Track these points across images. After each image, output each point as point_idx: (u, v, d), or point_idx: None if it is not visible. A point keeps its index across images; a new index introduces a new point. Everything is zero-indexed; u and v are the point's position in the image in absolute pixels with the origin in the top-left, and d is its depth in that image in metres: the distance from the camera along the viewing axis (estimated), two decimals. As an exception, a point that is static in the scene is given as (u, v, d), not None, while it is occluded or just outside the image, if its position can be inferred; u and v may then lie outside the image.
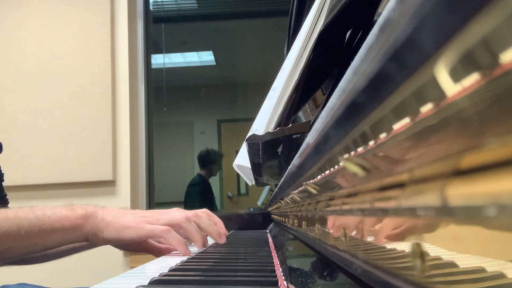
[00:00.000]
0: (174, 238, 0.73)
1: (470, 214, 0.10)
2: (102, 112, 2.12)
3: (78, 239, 0.71)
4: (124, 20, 2.22)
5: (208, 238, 0.88)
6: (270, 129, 0.59)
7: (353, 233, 0.23)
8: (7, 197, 0.96)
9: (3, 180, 0.96)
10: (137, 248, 0.81)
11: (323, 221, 0.32)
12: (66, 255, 0.92)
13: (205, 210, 0.92)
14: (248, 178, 0.85)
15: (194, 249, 0.80)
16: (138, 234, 0.73)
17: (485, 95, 0.09)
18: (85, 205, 0.74)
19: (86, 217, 0.71)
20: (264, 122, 0.61)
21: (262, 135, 0.55)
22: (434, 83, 0.11)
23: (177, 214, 0.77)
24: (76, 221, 0.70)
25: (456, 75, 0.10)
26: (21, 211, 0.64)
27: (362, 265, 0.21)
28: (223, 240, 0.85)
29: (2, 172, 0.95)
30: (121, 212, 0.76)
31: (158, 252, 0.83)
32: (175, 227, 0.75)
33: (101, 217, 0.73)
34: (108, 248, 0.80)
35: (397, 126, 0.15)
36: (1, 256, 0.62)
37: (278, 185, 0.72)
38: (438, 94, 0.11)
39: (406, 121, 0.14)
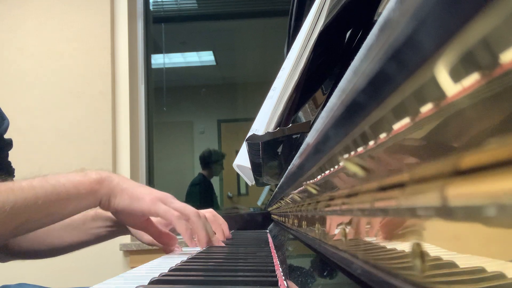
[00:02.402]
0: (183, 225, 0.72)
1: (470, 214, 0.10)
2: (102, 112, 2.12)
3: (93, 204, 0.69)
4: (124, 20, 2.22)
5: None
6: (270, 129, 0.59)
7: (353, 233, 0.23)
8: None
9: (14, 176, 0.96)
10: (140, 224, 0.78)
11: (323, 221, 0.32)
12: (73, 250, 0.91)
13: (211, 210, 0.91)
14: (248, 178, 0.85)
15: (196, 249, 0.80)
16: (150, 209, 0.71)
17: (485, 95, 0.09)
18: (99, 170, 0.72)
19: (100, 181, 0.69)
20: (264, 122, 0.61)
21: (262, 135, 0.55)
22: (434, 83, 0.11)
23: (189, 206, 0.75)
24: (91, 186, 0.68)
25: (456, 75, 0.10)
26: (35, 181, 0.63)
27: (362, 265, 0.21)
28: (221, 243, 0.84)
29: (13, 167, 0.95)
30: (136, 183, 0.74)
31: (157, 235, 0.80)
32: (184, 216, 0.73)
33: (116, 182, 0.71)
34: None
35: (397, 126, 0.15)
36: (21, 228, 0.61)
37: (278, 185, 0.72)
38: (438, 94, 0.11)
39: (406, 121, 0.14)
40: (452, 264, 0.12)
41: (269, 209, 1.36)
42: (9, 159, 0.94)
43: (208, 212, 0.87)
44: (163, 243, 0.81)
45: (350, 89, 0.17)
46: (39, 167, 2.12)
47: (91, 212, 0.89)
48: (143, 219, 0.77)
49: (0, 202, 0.57)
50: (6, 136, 0.92)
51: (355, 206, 0.22)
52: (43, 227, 0.66)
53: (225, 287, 0.41)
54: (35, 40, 2.17)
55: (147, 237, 0.86)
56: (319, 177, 0.30)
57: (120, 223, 0.87)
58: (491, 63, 0.09)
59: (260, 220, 1.46)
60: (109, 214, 0.88)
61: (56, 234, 0.86)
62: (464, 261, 0.12)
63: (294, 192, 0.48)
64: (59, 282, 1.87)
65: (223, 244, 0.83)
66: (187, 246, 0.95)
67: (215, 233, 0.84)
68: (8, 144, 0.92)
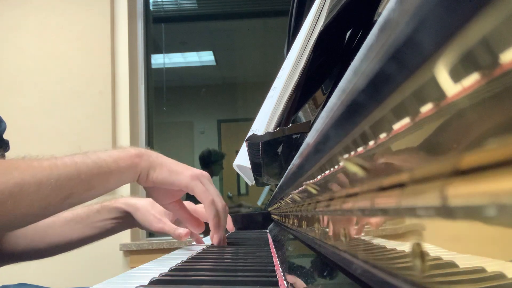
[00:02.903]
0: (213, 212, 0.74)
1: (470, 214, 0.10)
2: (102, 112, 2.12)
3: (133, 177, 0.71)
4: (124, 20, 2.22)
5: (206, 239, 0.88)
6: (270, 129, 0.59)
7: (353, 233, 0.23)
8: None
9: None
10: (173, 205, 0.79)
11: (323, 221, 0.32)
12: (78, 246, 0.90)
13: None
14: (248, 178, 0.84)
15: (197, 249, 0.80)
16: (188, 185, 0.73)
17: (485, 95, 0.09)
18: (136, 147, 0.74)
19: (140, 155, 0.71)
20: (264, 122, 0.61)
21: (262, 135, 0.55)
22: (434, 83, 0.11)
23: (220, 197, 0.77)
24: (131, 159, 0.69)
25: (456, 75, 0.10)
26: (77, 157, 0.64)
27: (362, 265, 0.21)
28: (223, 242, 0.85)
29: None
30: (174, 160, 0.76)
31: (187, 217, 0.81)
32: (216, 205, 0.75)
33: (155, 156, 0.73)
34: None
35: (397, 126, 0.15)
36: (66, 202, 0.61)
37: (278, 185, 0.72)
38: (438, 94, 0.11)
39: (406, 121, 0.14)
40: (452, 264, 0.12)
41: (269, 209, 1.36)
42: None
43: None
44: (192, 226, 0.82)
45: (350, 89, 0.17)
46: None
47: (96, 205, 0.89)
48: (178, 194, 0.78)
49: (45, 176, 0.58)
50: (3, 137, 0.92)
51: (355, 206, 0.22)
52: (88, 200, 0.67)
53: (225, 287, 0.41)
54: (35, 40, 2.17)
55: (156, 225, 0.86)
56: (319, 177, 0.30)
57: (125, 216, 0.87)
58: (491, 63, 0.09)
59: (260, 220, 1.46)
60: (115, 205, 0.88)
61: (58, 230, 0.85)
62: (464, 261, 0.12)
63: (294, 192, 0.48)
64: (59, 282, 1.87)
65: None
66: (186, 246, 0.95)
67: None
68: (6, 145, 0.91)
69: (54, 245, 0.87)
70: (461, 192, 0.11)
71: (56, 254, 0.90)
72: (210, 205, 0.74)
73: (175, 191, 0.75)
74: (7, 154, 0.92)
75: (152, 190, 0.75)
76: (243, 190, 4.57)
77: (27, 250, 0.85)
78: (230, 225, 0.93)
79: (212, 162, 3.36)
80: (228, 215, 0.91)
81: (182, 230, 0.85)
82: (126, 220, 0.89)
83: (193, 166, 0.77)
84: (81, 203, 0.66)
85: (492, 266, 0.10)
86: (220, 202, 0.76)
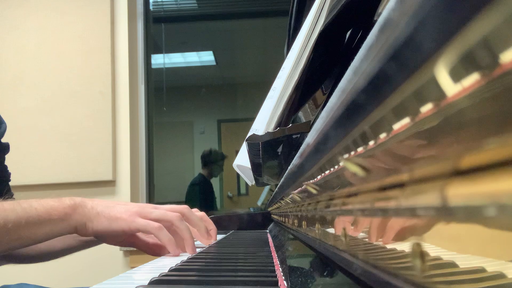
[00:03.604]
0: (165, 236, 0.71)
1: (470, 214, 0.10)
2: (102, 112, 2.12)
3: (67, 230, 0.69)
4: (124, 20, 2.22)
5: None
6: (270, 129, 0.59)
7: (353, 233, 0.23)
8: (14, 197, 0.96)
9: (9, 180, 0.95)
10: (125, 242, 0.78)
11: (323, 221, 0.32)
12: (61, 256, 0.90)
13: (203, 213, 0.90)
14: (248, 178, 0.85)
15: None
16: (130, 227, 0.70)
17: (485, 95, 0.09)
18: (73, 197, 0.71)
19: (74, 207, 0.69)
20: (264, 122, 0.61)
21: (262, 135, 0.55)
22: (434, 83, 0.11)
23: (169, 212, 0.74)
24: (64, 211, 0.67)
25: (456, 75, 0.10)
26: (7, 204, 0.62)
27: (362, 265, 0.21)
28: (208, 242, 0.83)
29: (10, 172, 0.95)
30: (111, 203, 0.73)
31: (146, 248, 0.80)
32: (167, 223, 0.73)
33: (90, 206, 0.70)
34: (108, 248, 0.80)
35: (397, 126, 0.15)
36: None
37: (278, 185, 0.72)
38: (438, 94, 0.11)
39: (406, 121, 0.14)
40: (452, 264, 0.12)
41: (269, 209, 1.36)
42: (7, 162, 0.94)
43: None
44: (155, 254, 0.81)
45: (350, 89, 0.17)
46: (39, 167, 2.12)
47: None
48: (125, 237, 0.77)
49: None
50: (3, 140, 0.92)
51: (355, 206, 0.22)
52: (12, 250, 0.65)
53: (225, 287, 0.41)
54: (35, 40, 2.17)
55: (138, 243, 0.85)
56: (319, 177, 0.30)
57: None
58: (490, 63, 0.09)
59: (260, 220, 1.46)
60: None
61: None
62: (464, 261, 0.12)
63: (294, 192, 0.48)
64: (59, 282, 1.87)
65: (210, 243, 0.82)
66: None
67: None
68: (5, 148, 0.91)
69: (42, 252, 0.87)
70: (461, 192, 0.11)
71: (45, 261, 0.90)
72: (158, 232, 0.70)
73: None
74: (7, 156, 0.92)
75: (99, 238, 0.74)
76: (243, 190, 4.57)
77: (19, 254, 0.86)
78: (214, 237, 0.88)
79: (212, 162, 3.36)
80: (215, 229, 0.89)
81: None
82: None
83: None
84: (8, 251, 0.64)
85: (492, 266, 0.10)
86: (171, 217, 0.73)
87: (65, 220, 0.67)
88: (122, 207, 0.72)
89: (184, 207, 0.79)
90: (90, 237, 0.73)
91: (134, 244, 0.80)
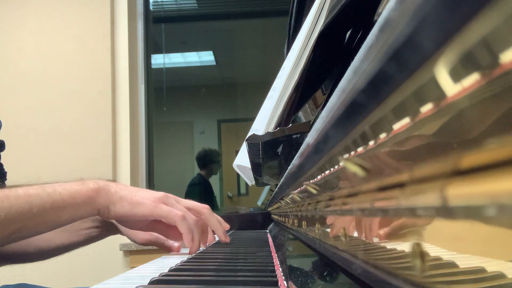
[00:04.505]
0: (186, 226, 0.71)
1: (470, 214, 0.10)
2: (102, 112, 2.12)
3: (90, 213, 0.69)
4: (124, 20, 2.22)
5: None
6: (270, 129, 0.59)
7: (353, 233, 0.23)
8: None
9: (5, 179, 0.95)
10: (147, 227, 0.78)
11: (323, 221, 0.32)
12: (61, 253, 0.90)
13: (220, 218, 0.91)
14: (248, 178, 0.84)
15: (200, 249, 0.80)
16: (153, 212, 0.71)
17: (485, 95, 0.09)
18: (97, 179, 0.72)
19: (97, 190, 0.69)
20: (264, 122, 0.61)
21: (262, 135, 0.55)
22: (434, 83, 0.11)
23: (197, 202, 0.75)
24: (88, 194, 0.67)
25: (456, 75, 0.10)
26: (32, 189, 0.62)
27: (362, 265, 0.21)
28: (228, 239, 0.85)
29: (5, 171, 0.95)
30: (135, 188, 0.74)
31: (166, 232, 0.80)
32: (195, 212, 0.73)
33: (114, 190, 0.71)
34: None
35: (396, 126, 0.15)
36: (16, 236, 0.60)
37: (278, 185, 0.72)
38: (437, 94, 0.11)
39: (405, 121, 0.14)
40: (452, 264, 0.12)
41: (269, 209, 1.36)
42: (4, 161, 0.94)
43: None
44: (174, 239, 0.81)
45: (350, 89, 0.17)
46: (39, 167, 2.11)
47: None
48: (147, 222, 0.77)
49: None
50: None
51: (355, 206, 0.22)
52: (38, 234, 0.65)
53: (225, 287, 0.41)
54: (35, 40, 2.17)
55: (141, 236, 0.85)
56: (319, 177, 0.30)
57: (108, 224, 0.87)
58: (490, 63, 0.09)
59: (260, 220, 1.46)
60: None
61: (45, 236, 0.85)
62: (464, 261, 0.12)
63: (294, 192, 0.48)
64: (59, 282, 1.87)
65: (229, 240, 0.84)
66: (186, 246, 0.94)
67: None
68: (1, 146, 0.91)
69: (42, 250, 0.87)
70: (461, 192, 0.11)
71: (44, 259, 0.90)
72: (180, 221, 0.71)
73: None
74: (3, 155, 0.92)
75: (120, 222, 0.74)
76: (243, 190, 4.57)
77: (18, 253, 0.85)
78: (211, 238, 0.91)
79: (209, 162, 3.36)
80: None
81: (172, 242, 0.84)
82: (109, 229, 0.89)
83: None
84: (34, 235, 0.65)
85: (492, 266, 0.10)
86: (191, 218, 0.74)
87: (89, 203, 0.68)
88: (146, 193, 0.73)
89: (205, 207, 0.80)
90: (111, 220, 0.72)
91: (155, 229, 0.79)
